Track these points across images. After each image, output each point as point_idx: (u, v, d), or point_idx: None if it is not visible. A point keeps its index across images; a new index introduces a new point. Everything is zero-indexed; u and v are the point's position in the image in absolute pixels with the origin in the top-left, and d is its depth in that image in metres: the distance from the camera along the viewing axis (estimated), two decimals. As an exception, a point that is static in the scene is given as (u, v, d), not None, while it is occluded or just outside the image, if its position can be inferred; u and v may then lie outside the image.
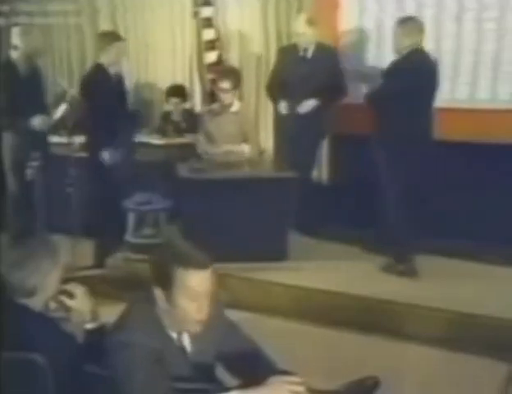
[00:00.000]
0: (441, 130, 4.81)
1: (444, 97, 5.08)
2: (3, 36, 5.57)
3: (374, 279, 4.74)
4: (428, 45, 4.90)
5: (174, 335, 2.23)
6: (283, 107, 5.45)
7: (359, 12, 5.76)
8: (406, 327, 4.23)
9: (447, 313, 4.28)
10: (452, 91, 5.39)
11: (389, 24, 5.57)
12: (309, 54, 5.49)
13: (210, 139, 5.43)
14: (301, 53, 5.49)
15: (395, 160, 4.63)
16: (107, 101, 5.01)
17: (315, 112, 5.39)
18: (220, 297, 2.25)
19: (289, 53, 5.57)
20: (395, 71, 4.69)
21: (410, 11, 5.36)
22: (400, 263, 4.82)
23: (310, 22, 5.40)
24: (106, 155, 5.04)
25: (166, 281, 2.14)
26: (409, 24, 4.71)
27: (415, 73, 4.58)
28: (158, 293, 2.16)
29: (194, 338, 2.26)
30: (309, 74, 5.36)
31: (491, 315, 4.17)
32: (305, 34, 5.40)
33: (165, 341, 2.19)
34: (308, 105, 5.37)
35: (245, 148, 5.43)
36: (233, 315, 2.55)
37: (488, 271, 4.83)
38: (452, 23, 5.34)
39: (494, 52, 5.28)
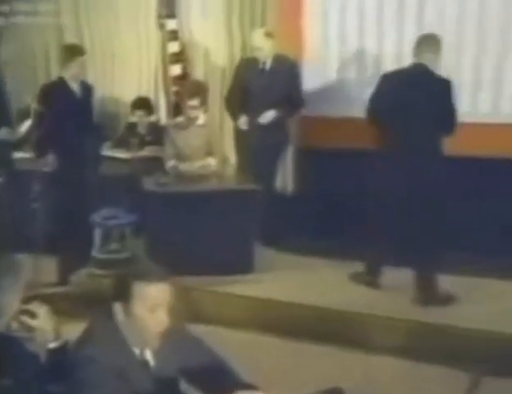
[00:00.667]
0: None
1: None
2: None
3: (337, 290, 4.72)
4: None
5: (136, 350, 2.24)
6: (243, 122, 5.45)
7: (323, 23, 5.80)
8: (367, 337, 4.25)
9: (407, 322, 4.29)
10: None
11: (352, 34, 5.67)
12: (267, 66, 5.51)
13: (177, 153, 5.42)
14: (260, 66, 5.51)
15: (390, 171, 4.56)
16: (68, 113, 5.00)
17: (275, 124, 5.43)
18: (181, 311, 2.26)
19: (248, 66, 5.58)
20: (386, 84, 4.64)
21: (371, 21, 5.52)
22: (369, 274, 4.79)
23: (268, 35, 5.42)
24: (50, 158, 5.03)
25: (125, 295, 2.19)
26: (421, 41, 4.60)
27: (407, 86, 4.51)
28: (117, 307, 2.21)
29: (157, 353, 2.27)
30: (268, 86, 5.39)
31: (451, 325, 4.19)
32: (263, 48, 5.41)
33: (127, 356, 2.20)
34: (268, 116, 5.40)
35: (212, 162, 5.44)
36: (197, 329, 2.57)
37: (455, 281, 4.75)
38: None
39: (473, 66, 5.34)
